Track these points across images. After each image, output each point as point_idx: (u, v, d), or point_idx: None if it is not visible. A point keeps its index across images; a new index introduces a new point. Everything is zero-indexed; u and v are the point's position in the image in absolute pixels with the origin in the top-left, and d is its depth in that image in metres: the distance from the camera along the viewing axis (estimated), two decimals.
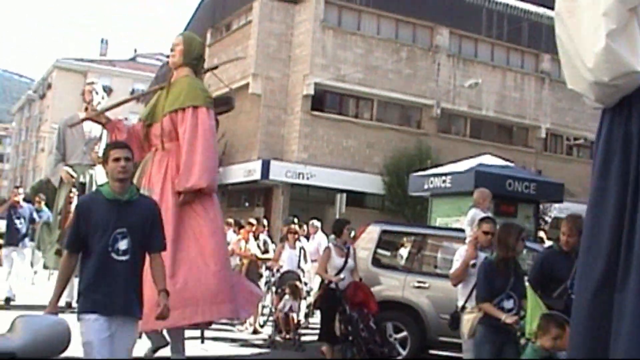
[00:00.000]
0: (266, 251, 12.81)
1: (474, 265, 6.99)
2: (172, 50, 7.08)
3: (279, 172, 26.00)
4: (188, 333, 7.11)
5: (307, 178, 26.16)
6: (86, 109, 9.68)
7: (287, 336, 10.72)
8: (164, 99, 6.94)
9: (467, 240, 7.96)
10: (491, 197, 9.27)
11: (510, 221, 9.72)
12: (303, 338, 10.84)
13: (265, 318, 12.16)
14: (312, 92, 26.58)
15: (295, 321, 10.73)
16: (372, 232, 10.49)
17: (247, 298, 7.11)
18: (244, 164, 27.19)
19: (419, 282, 9.80)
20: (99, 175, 9.51)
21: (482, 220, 7.47)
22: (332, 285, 8.76)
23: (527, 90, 31.27)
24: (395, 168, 26.72)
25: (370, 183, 27.01)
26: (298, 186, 26.67)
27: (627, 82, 3.17)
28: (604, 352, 3.16)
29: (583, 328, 3.24)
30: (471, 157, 16.57)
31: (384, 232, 10.66)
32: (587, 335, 3.21)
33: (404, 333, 9.64)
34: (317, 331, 9.51)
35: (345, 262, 8.89)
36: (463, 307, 7.03)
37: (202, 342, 8.90)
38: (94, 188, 8.96)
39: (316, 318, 11.71)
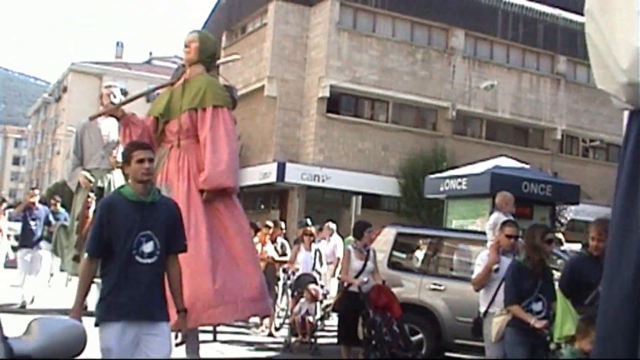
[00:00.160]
0: (284, 254, 12.75)
1: (497, 270, 6.93)
2: (186, 46, 6.93)
3: (295, 174, 25.98)
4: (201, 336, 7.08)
5: (323, 180, 26.14)
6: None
7: (303, 339, 10.67)
8: (179, 95, 6.84)
9: (488, 244, 7.88)
10: (513, 200, 9.13)
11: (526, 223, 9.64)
12: (319, 341, 10.79)
13: (281, 321, 12.12)
14: (327, 94, 26.59)
15: (312, 324, 10.67)
16: (388, 234, 10.48)
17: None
18: (260, 167, 27.20)
19: (435, 284, 9.75)
20: (117, 180, 9.46)
21: (504, 223, 7.39)
22: (353, 288, 8.68)
23: (542, 91, 31.10)
24: (410, 170, 26.66)
25: (385, 185, 26.97)
26: (314, 188, 26.66)
27: None
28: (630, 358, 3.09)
29: (609, 335, 3.17)
30: (487, 159, 16.56)
31: (399, 234, 10.65)
32: (614, 343, 3.14)
33: (420, 335, 9.59)
34: (333, 334, 9.45)
35: (365, 264, 8.81)
36: (486, 313, 6.96)
37: (215, 339, 8.91)
38: None
39: (332, 321, 11.68)
